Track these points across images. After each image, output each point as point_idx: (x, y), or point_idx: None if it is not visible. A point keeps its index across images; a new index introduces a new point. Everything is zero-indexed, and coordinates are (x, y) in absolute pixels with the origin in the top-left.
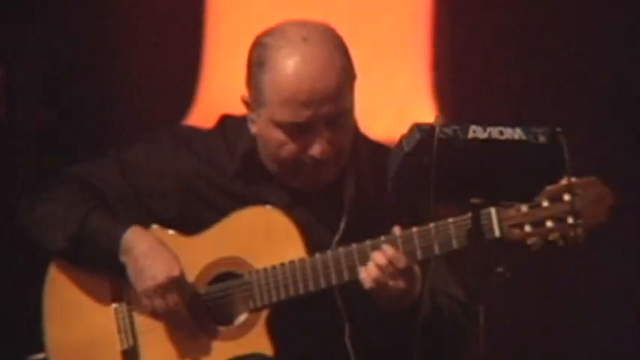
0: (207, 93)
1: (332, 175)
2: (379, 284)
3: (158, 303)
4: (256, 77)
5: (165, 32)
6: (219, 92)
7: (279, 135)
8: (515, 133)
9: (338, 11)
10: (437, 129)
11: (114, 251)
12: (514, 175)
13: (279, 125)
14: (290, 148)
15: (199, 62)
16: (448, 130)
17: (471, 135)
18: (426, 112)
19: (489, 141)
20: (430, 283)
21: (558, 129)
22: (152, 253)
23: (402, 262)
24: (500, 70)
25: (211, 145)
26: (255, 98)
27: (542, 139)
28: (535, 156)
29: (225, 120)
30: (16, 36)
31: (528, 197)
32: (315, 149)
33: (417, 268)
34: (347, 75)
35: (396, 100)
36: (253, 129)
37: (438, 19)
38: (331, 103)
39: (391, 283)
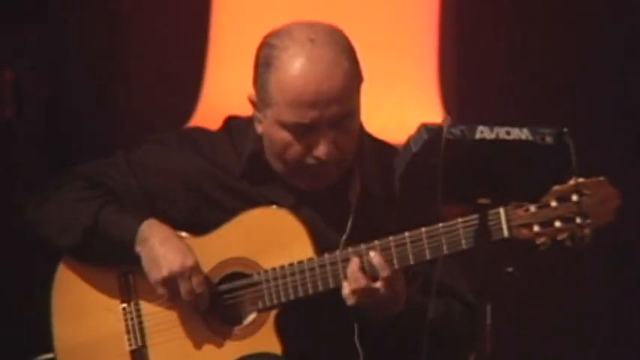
0: (210, 95)
1: (336, 176)
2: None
3: (173, 291)
4: (263, 77)
5: (170, 33)
6: (223, 94)
7: (284, 135)
8: (522, 134)
9: (344, 12)
10: (444, 129)
11: (128, 243)
12: (521, 176)
13: (284, 126)
14: (295, 148)
15: (203, 64)
16: (456, 131)
17: (478, 135)
18: (434, 114)
19: (496, 141)
20: (433, 284)
21: (565, 130)
22: (168, 242)
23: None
24: (507, 71)
25: (217, 145)
26: (261, 98)
27: (548, 139)
28: (542, 156)
29: (231, 121)
30: (23, 38)
31: (535, 197)
32: (320, 150)
33: (400, 282)
34: (353, 77)
35: (402, 101)
36: (259, 128)
37: (445, 21)
38: (337, 104)
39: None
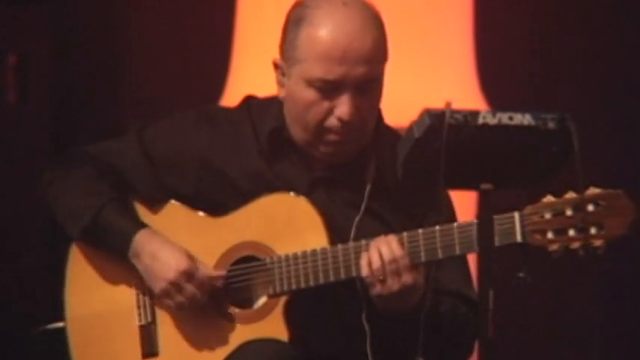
0: (236, 84)
1: (354, 148)
2: (377, 277)
3: (177, 299)
4: (292, 34)
5: (194, 18)
6: (248, 83)
7: (309, 94)
8: (524, 119)
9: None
10: (447, 114)
11: (123, 252)
12: (524, 161)
13: (310, 83)
14: (318, 108)
15: (229, 51)
16: (458, 116)
17: (480, 121)
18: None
19: (499, 127)
20: (437, 282)
21: (567, 115)
22: (158, 254)
23: (405, 261)
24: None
25: (235, 122)
26: (288, 57)
27: (551, 125)
28: (544, 142)
29: (250, 100)
30: (27, 21)
31: (537, 183)
32: (342, 110)
33: (421, 279)
34: (381, 45)
35: (443, 94)
36: (282, 93)
37: (480, 12)
38: (364, 65)
39: (389, 280)
